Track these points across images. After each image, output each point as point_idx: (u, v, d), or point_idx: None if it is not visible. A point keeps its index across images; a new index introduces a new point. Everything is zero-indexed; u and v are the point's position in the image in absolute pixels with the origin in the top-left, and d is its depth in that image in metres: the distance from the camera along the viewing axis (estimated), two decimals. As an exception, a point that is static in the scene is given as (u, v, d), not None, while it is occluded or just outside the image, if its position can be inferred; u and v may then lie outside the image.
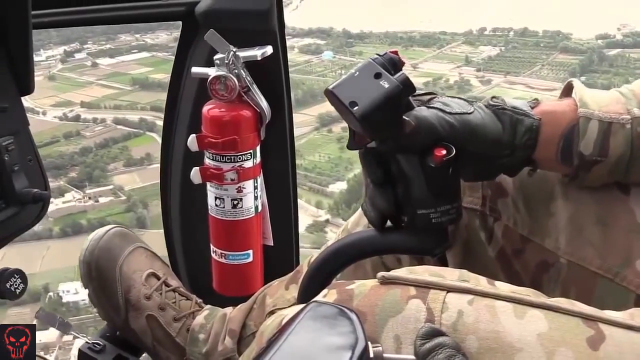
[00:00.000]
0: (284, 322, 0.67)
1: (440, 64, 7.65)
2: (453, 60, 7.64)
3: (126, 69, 7.37)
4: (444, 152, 0.76)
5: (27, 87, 1.09)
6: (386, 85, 0.74)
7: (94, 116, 7.05)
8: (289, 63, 1.43)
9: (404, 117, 0.75)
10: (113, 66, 7.55)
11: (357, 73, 0.76)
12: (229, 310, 1.28)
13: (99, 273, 1.32)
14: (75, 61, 7.81)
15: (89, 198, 5.90)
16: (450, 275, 0.68)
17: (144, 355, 1.39)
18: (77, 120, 6.82)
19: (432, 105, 0.79)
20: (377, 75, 0.75)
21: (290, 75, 1.45)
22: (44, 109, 7.08)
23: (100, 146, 6.60)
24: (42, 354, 1.19)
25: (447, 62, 7.66)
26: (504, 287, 0.67)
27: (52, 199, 1.16)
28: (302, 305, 0.61)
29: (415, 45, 8.13)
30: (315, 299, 0.69)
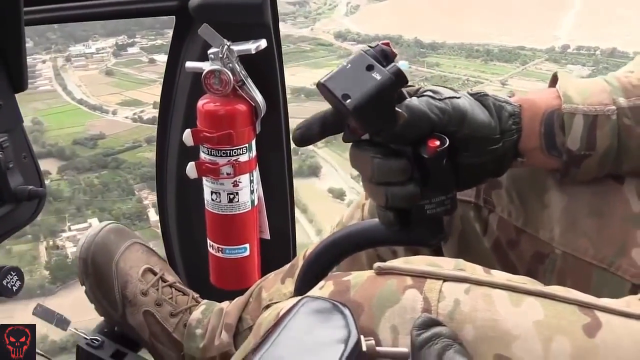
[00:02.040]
0: (280, 314, 0.67)
1: (528, 82, 7.39)
2: (543, 79, 7.34)
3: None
4: (438, 142, 0.76)
5: (21, 84, 1.09)
6: (378, 77, 0.74)
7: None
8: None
9: (396, 108, 0.75)
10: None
11: (349, 65, 0.76)
12: (225, 304, 1.28)
13: (95, 269, 1.32)
14: (129, 55, 7.71)
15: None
16: (447, 264, 0.68)
17: (142, 350, 1.40)
18: (154, 122, 6.71)
19: (422, 94, 0.79)
20: (369, 67, 0.74)
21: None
22: (113, 108, 7.01)
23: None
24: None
25: (535, 79, 7.39)
26: (500, 276, 0.67)
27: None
28: (297, 298, 0.61)
29: (494, 59, 7.98)
30: (312, 290, 0.69)
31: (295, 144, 0.81)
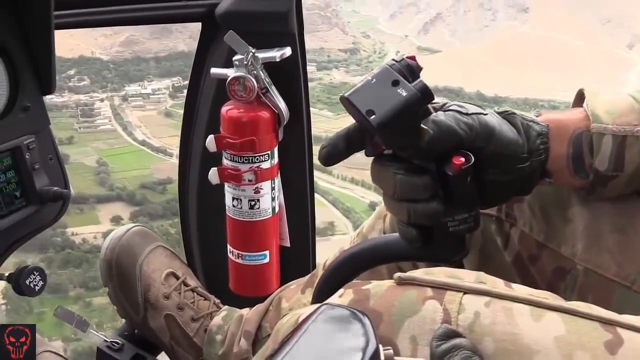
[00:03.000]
0: (299, 320, 0.67)
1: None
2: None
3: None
4: (463, 159, 0.75)
5: (49, 87, 1.11)
6: (404, 94, 0.72)
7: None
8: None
9: (422, 125, 0.74)
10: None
11: (374, 80, 0.74)
12: (245, 311, 1.29)
13: (119, 271, 1.33)
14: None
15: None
16: (467, 276, 0.67)
17: (161, 353, 1.40)
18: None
19: (448, 109, 0.78)
20: (395, 83, 0.73)
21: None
22: (176, 151, 6.97)
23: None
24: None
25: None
26: (521, 290, 0.66)
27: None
28: (317, 305, 0.61)
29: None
30: (330, 298, 0.69)
31: (322, 163, 0.80)
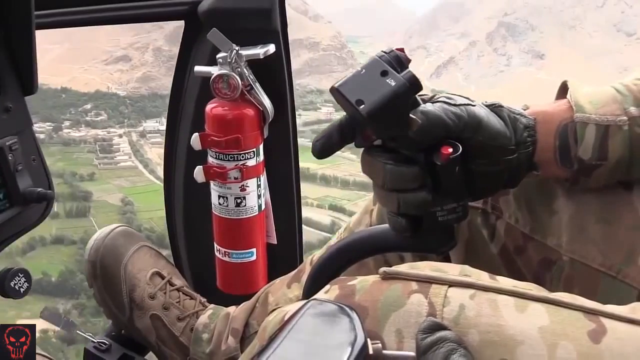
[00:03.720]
0: (286, 318, 0.67)
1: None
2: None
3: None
4: (451, 149, 0.75)
5: (31, 87, 1.10)
6: (393, 83, 0.73)
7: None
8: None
9: (410, 114, 0.75)
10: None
11: (364, 71, 0.75)
12: (232, 309, 1.28)
13: (103, 271, 1.33)
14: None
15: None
16: (452, 270, 0.68)
17: (149, 353, 1.40)
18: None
19: (436, 100, 0.78)
20: (384, 73, 0.74)
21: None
22: None
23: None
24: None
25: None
26: (505, 282, 0.67)
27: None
28: (304, 302, 0.61)
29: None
30: (317, 294, 0.69)
31: (316, 156, 0.80)
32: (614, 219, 0.83)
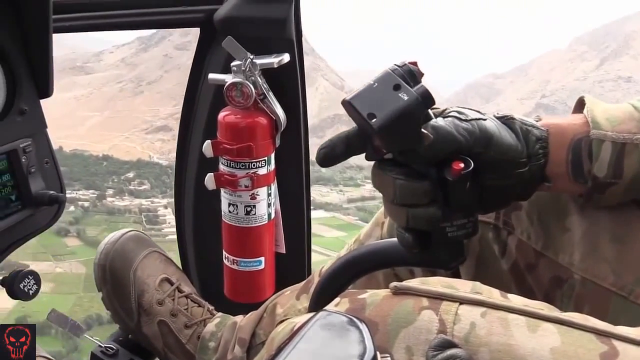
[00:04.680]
0: (294, 328, 0.67)
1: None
2: None
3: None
4: (462, 165, 0.75)
5: (46, 91, 1.10)
6: (405, 98, 0.72)
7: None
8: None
9: (422, 129, 0.74)
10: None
11: (376, 84, 0.75)
12: (239, 318, 1.28)
13: (113, 276, 1.33)
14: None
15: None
16: (463, 287, 0.67)
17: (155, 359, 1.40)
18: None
19: (447, 115, 0.78)
20: (396, 87, 0.73)
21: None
22: None
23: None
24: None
25: None
26: (517, 300, 0.66)
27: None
28: (313, 313, 0.60)
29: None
30: (326, 307, 0.69)
31: (319, 164, 0.80)
32: (627, 238, 0.82)
